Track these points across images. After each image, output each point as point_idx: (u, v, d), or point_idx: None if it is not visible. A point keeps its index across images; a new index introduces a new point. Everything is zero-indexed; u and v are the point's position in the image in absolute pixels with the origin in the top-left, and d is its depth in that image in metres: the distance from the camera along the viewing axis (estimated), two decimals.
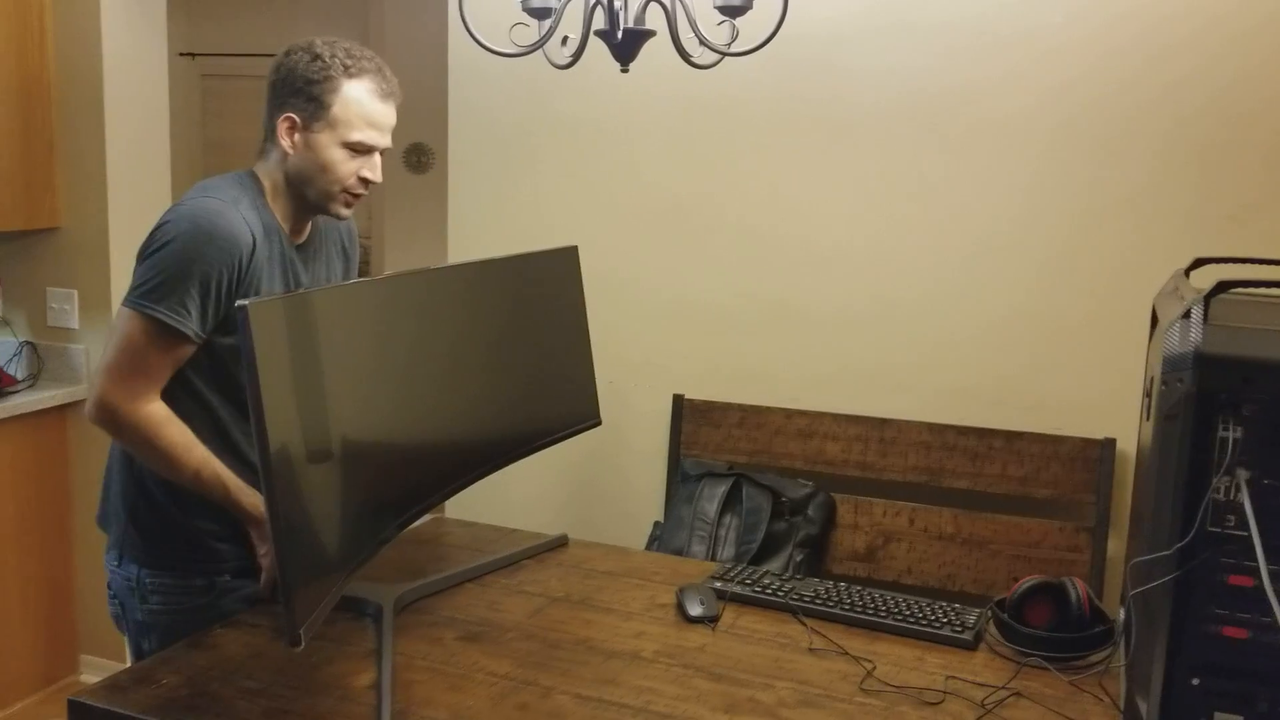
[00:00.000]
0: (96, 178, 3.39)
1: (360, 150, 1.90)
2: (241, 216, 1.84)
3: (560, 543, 2.26)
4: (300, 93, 1.88)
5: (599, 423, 2.40)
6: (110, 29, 3.34)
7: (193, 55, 6.63)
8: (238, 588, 1.94)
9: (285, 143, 1.90)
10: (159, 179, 3.57)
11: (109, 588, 2.00)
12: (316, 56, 1.88)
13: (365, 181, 1.93)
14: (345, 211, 1.97)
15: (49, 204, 3.41)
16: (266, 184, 1.95)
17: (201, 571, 1.93)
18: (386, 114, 1.93)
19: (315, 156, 1.89)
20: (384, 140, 1.93)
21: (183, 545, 1.93)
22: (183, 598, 1.93)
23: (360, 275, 2.22)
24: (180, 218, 1.81)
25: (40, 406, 3.40)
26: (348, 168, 1.90)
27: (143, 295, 1.79)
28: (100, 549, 3.49)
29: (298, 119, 1.89)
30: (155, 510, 1.92)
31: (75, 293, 3.48)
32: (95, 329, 3.45)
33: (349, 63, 1.89)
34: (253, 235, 1.84)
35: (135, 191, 3.47)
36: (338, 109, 1.88)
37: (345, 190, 1.92)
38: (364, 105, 1.89)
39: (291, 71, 1.89)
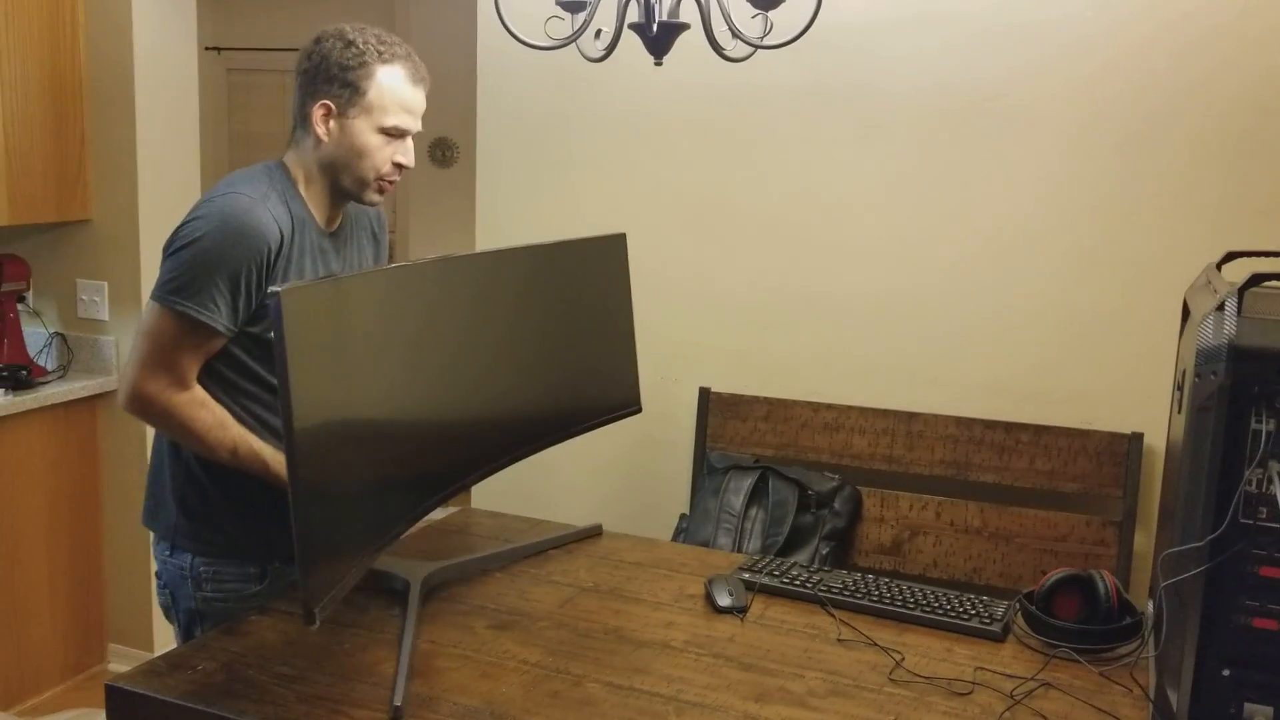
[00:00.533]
0: (127, 170, 3.43)
1: (394, 135, 1.92)
2: (270, 212, 1.85)
3: (594, 532, 2.28)
4: (335, 79, 1.88)
5: (639, 410, 2.40)
6: (141, 23, 3.37)
7: (219, 50, 6.68)
8: (290, 574, 1.97)
9: (320, 130, 1.90)
10: (189, 172, 3.60)
11: (158, 578, 2.02)
12: (350, 43, 1.89)
13: (399, 167, 1.95)
14: (378, 198, 1.98)
15: (80, 196, 3.45)
16: (298, 174, 1.96)
17: (255, 558, 1.96)
18: (418, 98, 1.95)
19: (351, 142, 1.90)
20: (416, 124, 1.95)
21: (235, 533, 1.95)
22: (237, 585, 1.95)
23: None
24: (209, 215, 1.82)
25: (70, 398, 3.44)
26: (383, 154, 1.92)
27: (171, 291, 1.80)
28: (129, 538, 3.55)
29: (333, 105, 1.89)
30: (205, 499, 1.94)
31: (105, 285, 3.51)
32: (125, 321, 3.49)
33: (381, 48, 1.90)
34: (280, 230, 1.86)
35: (165, 184, 3.50)
36: (373, 94, 1.89)
37: (380, 176, 1.94)
38: (398, 90, 1.91)
39: (325, 58, 1.89)
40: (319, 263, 1.96)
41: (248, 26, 6.64)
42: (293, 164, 1.96)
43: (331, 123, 1.90)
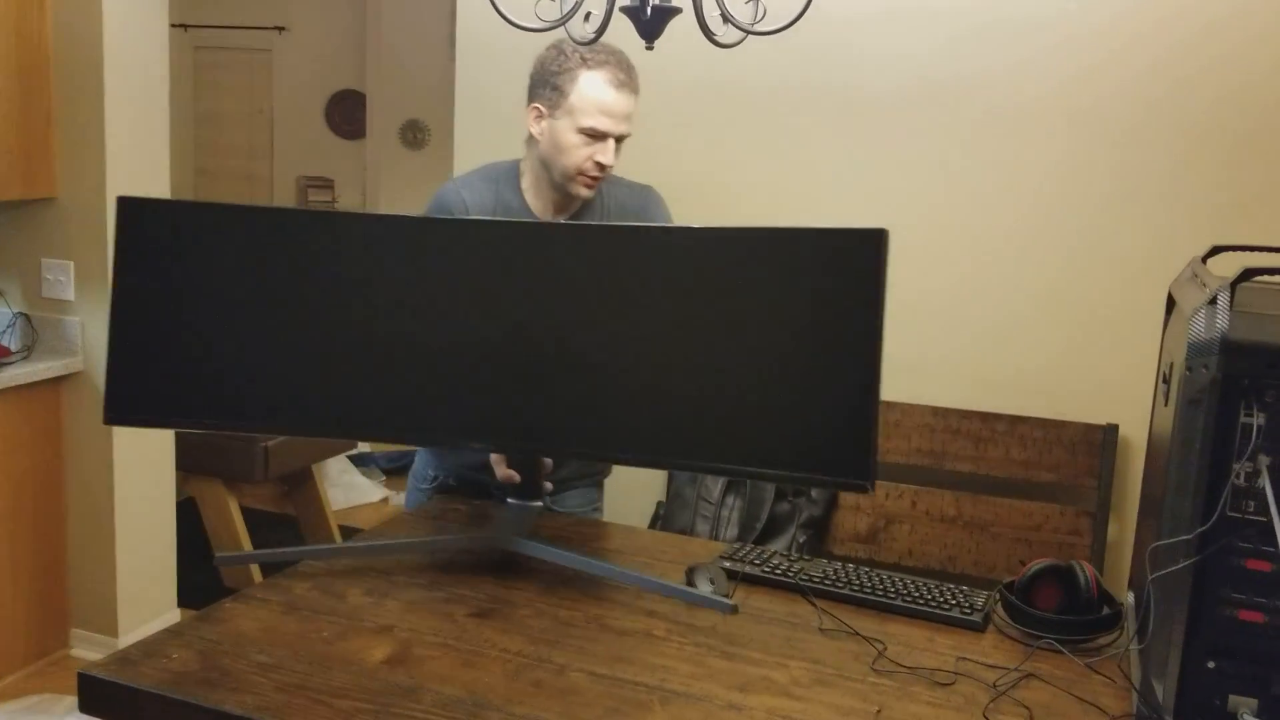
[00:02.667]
0: (95, 148, 3.36)
1: (594, 136, 2.13)
2: (461, 193, 2.21)
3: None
4: (545, 84, 2.17)
5: (867, 488, 1.69)
6: None
7: (185, 27, 6.58)
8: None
9: (534, 129, 2.19)
10: (157, 151, 3.54)
11: None
12: (561, 52, 2.15)
13: (601, 165, 2.15)
14: (585, 191, 2.20)
15: (46, 174, 3.39)
16: (525, 168, 2.27)
17: None
18: (619, 102, 2.14)
19: (555, 140, 2.16)
20: (617, 127, 2.15)
21: None
22: None
23: None
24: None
25: (34, 379, 3.38)
26: (583, 152, 2.14)
27: None
28: (93, 522, 3.49)
29: (543, 108, 2.18)
30: None
31: (71, 264, 3.45)
32: (91, 301, 3.43)
33: (588, 56, 2.12)
34: (466, 206, 2.20)
35: (134, 163, 3.45)
36: (574, 97, 2.13)
37: (581, 172, 2.16)
38: (598, 93, 2.12)
39: (541, 66, 2.18)
40: None
41: (215, 4, 6.55)
42: (523, 160, 2.27)
43: (543, 123, 2.19)
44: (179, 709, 1.51)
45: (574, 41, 2.07)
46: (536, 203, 2.25)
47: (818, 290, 1.72)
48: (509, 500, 2.02)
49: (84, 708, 1.61)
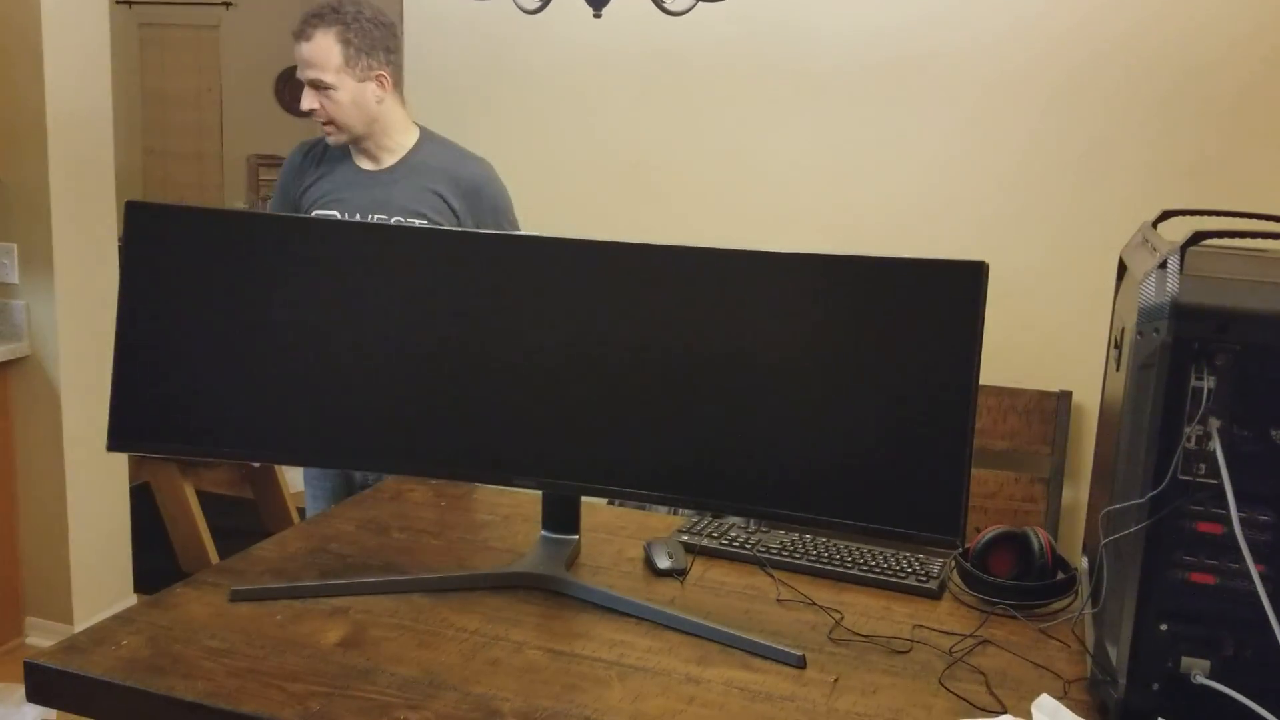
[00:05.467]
0: (36, 129, 3.29)
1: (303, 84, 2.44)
2: (301, 145, 2.63)
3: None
4: None
5: (956, 544, 1.57)
6: None
7: (130, 3, 6.45)
8: None
9: None
10: (101, 130, 3.47)
11: None
12: None
13: (306, 112, 2.46)
14: (326, 137, 2.51)
15: None
16: None
17: None
18: (300, 50, 2.41)
19: None
20: (303, 74, 2.42)
21: None
22: None
23: None
24: None
25: None
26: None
27: None
28: (45, 508, 3.43)
29: None
30: None
31: (15, 247, 3.38)
32: (36, 284, 3.36)
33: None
34: (294, 158, 2.60)
35: (76, 143, 3.38)
36: None
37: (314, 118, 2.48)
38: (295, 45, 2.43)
39: None
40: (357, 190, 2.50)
41: None
42: None
43: None
44: (128, 696, 1.49)
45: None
46: (356, 153, 2.53)
47: (908, 326, 1.58)
48: (544, 533, 1.91)
49: (32, 696, 1.58)
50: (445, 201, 2.48)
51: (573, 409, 1.73)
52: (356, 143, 2.51)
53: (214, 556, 3.84)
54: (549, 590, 1.79)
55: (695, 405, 1.68)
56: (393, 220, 2.46)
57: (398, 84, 2.53)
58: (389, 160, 2.52)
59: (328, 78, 2.40)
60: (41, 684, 1.55)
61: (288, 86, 6.77)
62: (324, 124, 2.46)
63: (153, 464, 4.12)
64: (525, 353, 1.74)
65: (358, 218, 2.45)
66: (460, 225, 2.46)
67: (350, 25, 2.41)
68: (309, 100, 2.43)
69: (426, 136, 2.58)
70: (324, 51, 2.39)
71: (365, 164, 2.53)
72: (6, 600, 3.52)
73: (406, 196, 2.48)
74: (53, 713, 2.65)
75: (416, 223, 2.45)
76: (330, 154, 2.55)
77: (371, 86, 2.45)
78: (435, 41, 3.20)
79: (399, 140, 2.54)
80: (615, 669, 1.56)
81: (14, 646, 3.53)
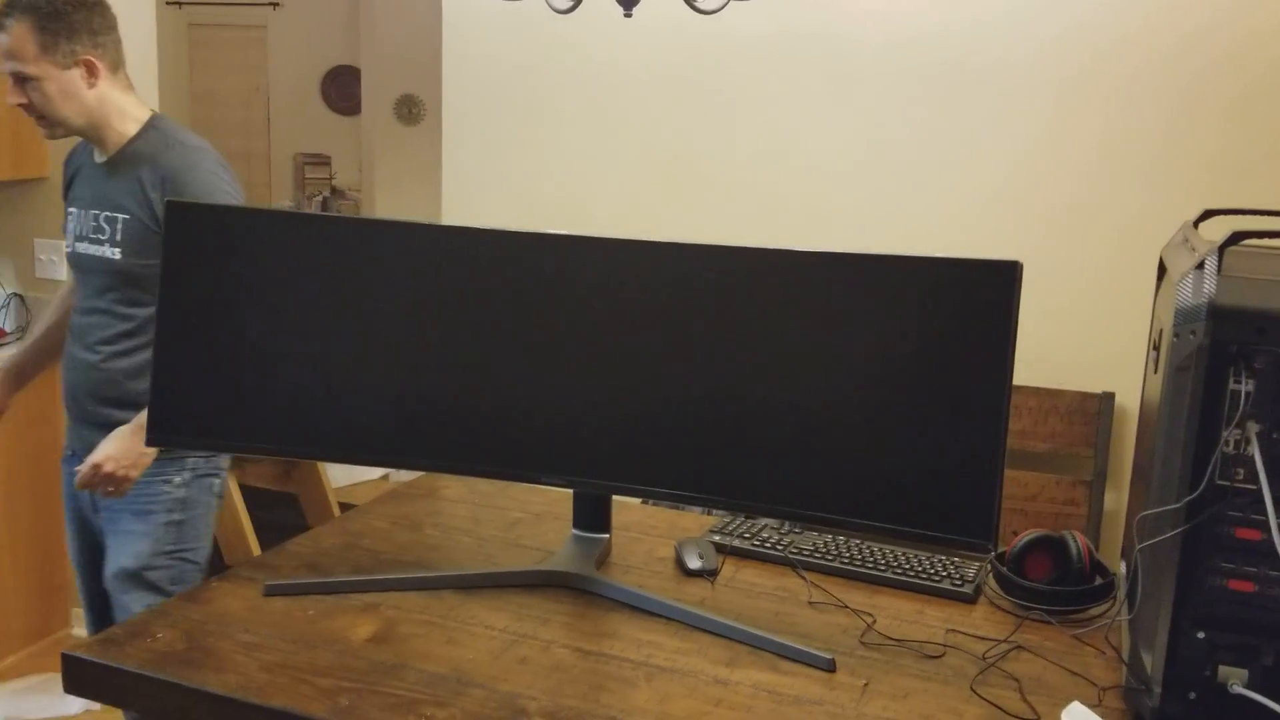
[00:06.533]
0: None
1: None
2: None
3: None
4: None
5: (989, 548, 1.56)
6: None
7: (179, 4, 6.53)
8: None
9: None
10: None
11: None
12: None
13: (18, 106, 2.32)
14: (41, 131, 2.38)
15: (37, 153, 3.37)
16: None
17: None
18: None
19: None
20: (3, 66, 2.29)
21: None
22: None
23: None
24: None
25: None
26: None
27: None
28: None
29: None
30: None
31: (64, 244, 3.43)
32: None
33: None
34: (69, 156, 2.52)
35: None
36: None
37: None
38: None
39: None
40: (88, 185, 2.41)
41: None
42: None
43: None
44: (162, 689, 1.50)
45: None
46: (95, 147, 2.42)
47: (942, 326, 1.56)
48: (575, 532, 1.91)
49: (69, 688, 1.61)
50: (145, 192, 2.32)
51: (606, 408, 1.74)
52: (85, 135, 2.39)
53: (256, 550, 3.88)
54: (579, 589, 1.79)
55: (726, 404, 1.68)
56: (103, 215, 2.36)
57: (115, 68, 2.37)
58: (112, 151, 2.38)
59: (29, 69, 2.25)
60: (78, 675, 1.58)
61: (333, 85, 6.84)
62: (37, 120, 2.33)
63: None
64: (560, 351, 1.74)
65: (91, 214, 2.36)
66: (158, 217, 2.29)
67: (44, 10, 2.25)
68: (14, 95, 2.29)
69: (151, 124, 2.41)
70: (20, 41, 2.24)
71: (99, 157, 2.41)
72: (52, 592, 3.58)
73: (117, 189, 2.35)
74: (96, 704, 2.69)
75: (122, 217, 2.33)
76: (85, 149, 2.46)
77: (79, 73, 2.29)
78: (474, 42, 3.22)
79: (120, 129, 2.37)
80: (643, 669, 1.55)
81: (61, 637, 3.59)
